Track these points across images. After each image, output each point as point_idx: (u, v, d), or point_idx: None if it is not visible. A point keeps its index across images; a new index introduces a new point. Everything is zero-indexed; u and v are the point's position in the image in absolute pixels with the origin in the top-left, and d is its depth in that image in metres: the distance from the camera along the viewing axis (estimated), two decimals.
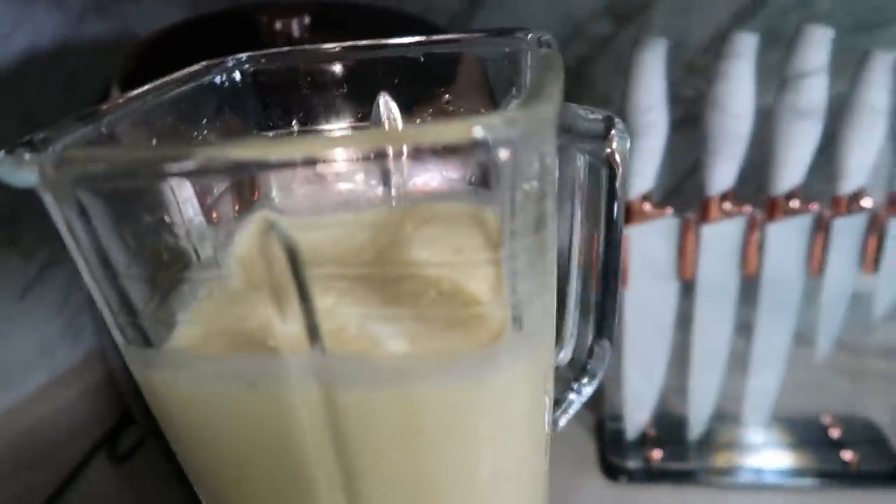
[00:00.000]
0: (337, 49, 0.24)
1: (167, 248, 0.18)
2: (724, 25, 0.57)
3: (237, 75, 0.24)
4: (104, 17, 0.63)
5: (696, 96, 0.58)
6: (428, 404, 0.17)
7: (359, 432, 0.17)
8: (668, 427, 0.60)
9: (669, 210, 0.50)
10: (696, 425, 0.58)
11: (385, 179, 0.25)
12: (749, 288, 0.52)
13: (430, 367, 0.16)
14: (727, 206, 0.48)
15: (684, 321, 0.55)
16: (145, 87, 0.20)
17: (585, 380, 0.27)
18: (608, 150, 0.24)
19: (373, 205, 0.25)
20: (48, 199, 0.15)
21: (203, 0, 0.69)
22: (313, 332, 0.16)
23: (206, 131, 0.23)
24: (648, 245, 0.50)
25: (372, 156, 0.13)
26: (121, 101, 0.19)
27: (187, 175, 0.13)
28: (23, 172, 0.14)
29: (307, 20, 0.46)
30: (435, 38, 0.24)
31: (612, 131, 0.24)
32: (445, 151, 0.13)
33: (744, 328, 0.54)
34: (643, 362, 0.57)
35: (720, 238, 0.50)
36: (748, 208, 0.49)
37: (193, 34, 0.47)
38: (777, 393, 0.57)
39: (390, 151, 0.13)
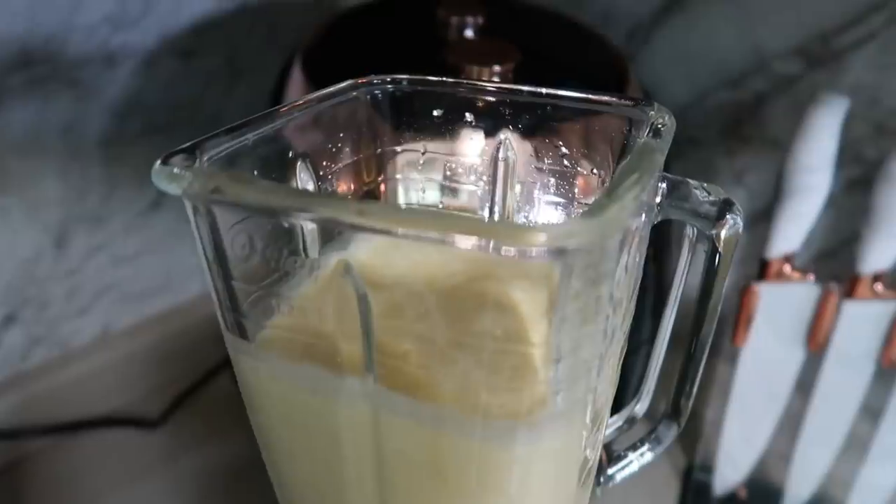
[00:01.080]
0: (474, 85, 0.25)
1: (269, 264, 0.20)
2: None
3: (378, 93, 0.26)
4: None
5: (878, 160, 0.53)
6: (457, 453, 0.18)
7: (395, 457, 0.19)
8: (761, 493, 0.57)
9: (811, 276, 0.47)
10: (793, 500, 0.55)
11: None
12: (885, 373, 0.48)
13: (467, 422, 0.18)
14: (879, 287, 0.45)
15: (803, 386, 0.52)
16: (295, 102, 0.23)
17: (647, 447, 0.27)
18: (717, 233, 0.24)
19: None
20: (187, 204, 0.18)
21: None
22: (370, 362, 0.18)
23: (340, 144, 0.25)
24: (780, 306, 0.48)
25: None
26: (269, 114, 0.22)
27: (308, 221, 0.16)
28: (172, 185, 0.17)
29: (480, 20, 0.47)
30: (566, 93, 0.24)
31: (726, 217, 0.24)
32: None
33: (870, 412, 0.50)
34: (748, 420, 0.54)
35: (864, 319, 0.46)
36: None
37: (372, 17, 0.50)
38: (894, 491, 0.52)
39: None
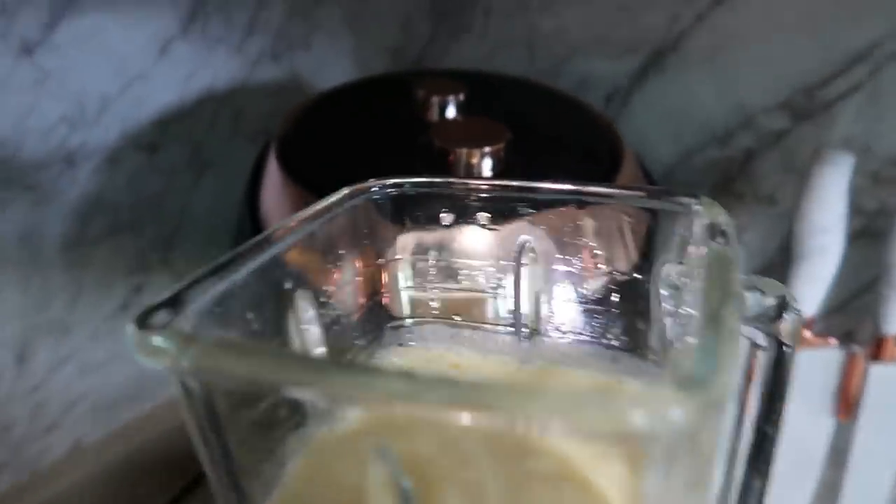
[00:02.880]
0: (485, 185, 0.23)
1: (274, 434, 0.17)
2: None
3: (379, 199, 0.23)
4: (277, 62, 0.66)
5: (879, 210, 0.52)
6: None
7: None
8: None
9: (833, 341, 0.45)
10: None
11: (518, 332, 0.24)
12: None
13: None
14: None
15: (836, 456, 0.49)
16: (285, 224, 0.20)
17: None
18: (780, 333, 0.21)
19: (501, 352, 0.24)
20: (173, 377, 0.15)
21: (369, 56, 0.72)
22: None
23: (340, 261, 0.22)
24: (804, 375, 0.45)
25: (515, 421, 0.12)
26: (259, 243, 0.19)
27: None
28: (154, 360, 0.14)
29: (462, 97, 0.45)
30: (589, 188, 0.22)
31: (786, 315, 0.21)
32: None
33: None
34: (782, 496, 0.51)
35: (892, 381, 0.43)
36: None
37: (347, 102, 0.48)
38: None
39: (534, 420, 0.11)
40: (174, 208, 0.63)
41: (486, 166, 0.38)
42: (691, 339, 0.14)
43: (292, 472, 0.18)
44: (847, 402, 0.45)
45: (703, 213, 0.19)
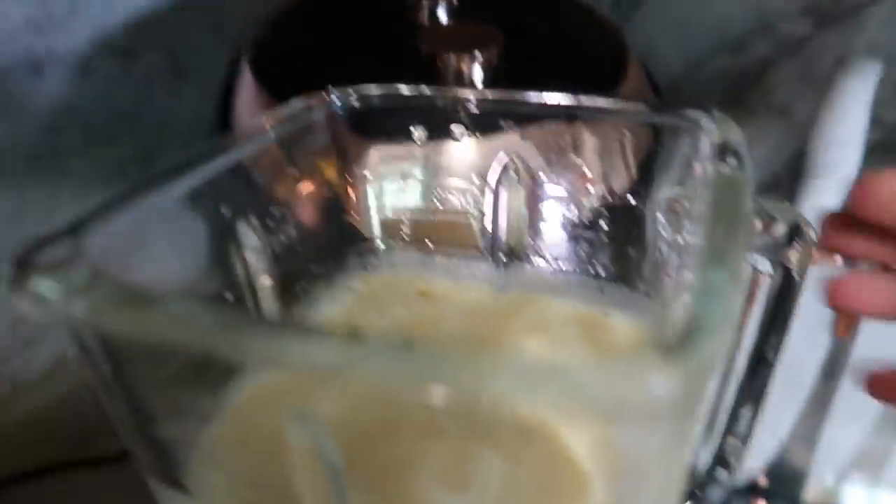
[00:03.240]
0: (464, 96, 0.20)
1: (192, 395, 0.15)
2: None
3: (339, 111, 0.20)
4: None
5: None
6: None
7: None
8: (783, 479, 0.53)
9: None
10: (818, 484, 0.52)
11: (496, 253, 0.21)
12: None
13: None
14: None
15: (831, 369, 0.48)
16: (224, 141, 0.17)
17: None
18: (789, 261, 0.19)
19: (477, 279, 0.22)
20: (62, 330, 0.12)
21: None
22: None
23: (294, 184, 0.20)
24: (805, 292, 0.43)
25: None
26: (184, 164, 0.16)
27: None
28: (37, 311, 0.11)
29: (455, 1, 0.41)
30: (584, 101, 0.19)
31: (797, 242, 0.19)
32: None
33: None
34: (770, 409, 0.50)
35: None
36: None
37: (332, 2, 0.44)
38: None
39: None
40: (152, 119, 0.60)
41: (477, 73, 0.34)
42: (689, 279, 0.12)
43: (215, 431, 0.16)
44: (847, 319, 0.44)
45: (713, 130, 0.16)
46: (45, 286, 0.11)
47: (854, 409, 0.48)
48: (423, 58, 0.35)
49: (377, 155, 0.21)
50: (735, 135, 0.16)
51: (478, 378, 0.09)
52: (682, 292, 0.16)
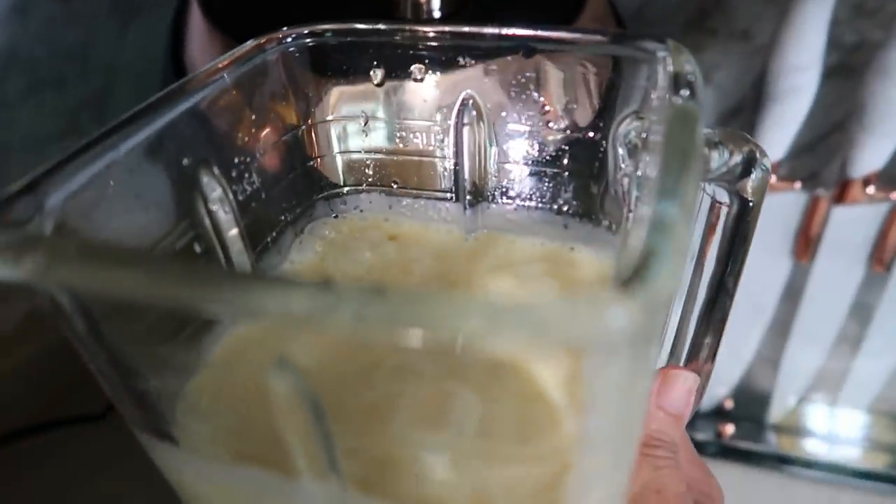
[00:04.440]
0: (421, 31, 0.19)
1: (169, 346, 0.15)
2: None
3: (295, 51, 0.20)
4: None
5: (858, 44, 0.48)
6: None
7: None
8: (748, 402, 0.56)
9: (798, 184, 0.44)
10: (781, 405, 0.54)
11: (461, 194, 0.21)
12: (876, 275, 0.46)
13: None
14: (870, 189, 0.41)
15: (791, 294, 0.50)
16: (178, 85, 0.17)
17: None
18: (745, 191, 0.19)
19: (444, 220, 0.22)
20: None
21: None
22: (333, 465, 0.13)
23: (253, 129, 0.19)
24: (766, 219, 0.44)
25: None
26: (143, 110, 0.15)
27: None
28: (4, 270, 0.11)
29: None
30: (543, 33, 0.19)
31: (753, 172, 0.19)
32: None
33: (862, 308, 0.48)
34: (734, 333, 0.52)
35: (855, 223, 0.43)
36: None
37: None
38: (883, 383, 0.52)
39: None
40: (99, 61, 0.57)
41: (435, 3, 0.33)
42: (644, 214, 0.12)
43: (197, 382, 0.16)
44: (807, 244, 0.45)
45: (668, 60, 0.16)
46: (6, 246, 0.11)
47: (813, 331, 0.50)
48: None
49: (336, 95, 0.21)
50: (689, 65, 0.16)
51: (448, 319, 0.09)
52: (640, 225, 0.16)
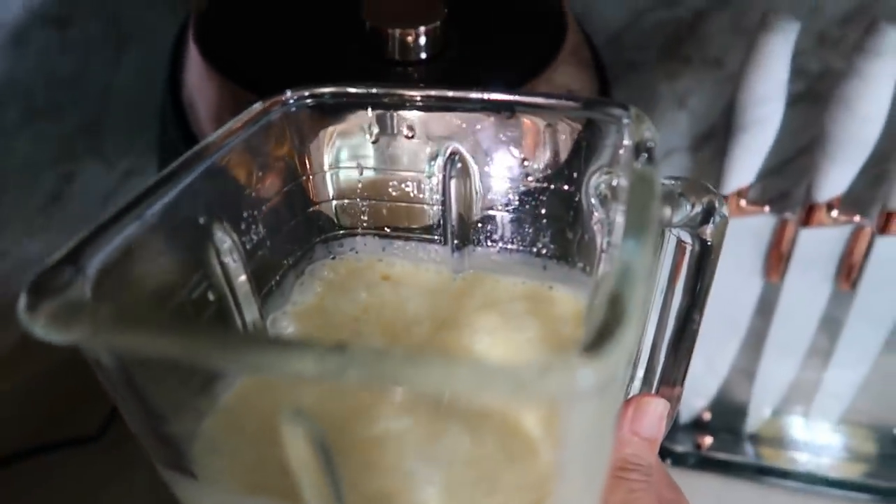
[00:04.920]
0: (411, 94, 0.21)
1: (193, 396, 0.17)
2: None
3: (296, 111, 0.22)
4: None
5: (822, 72, 0.51)
6: None
7: None
8: (725, 414, 0.58)
9: (766, 208, 0.46)
10: (757, 416, 0.56)
11: (448, 238, 0.23)
12: (842, 293, 0.48)
13: None
14: (834, 213, 0.44)
15: (763, 309, 0.52)
16: (195, 151, 0.18)
17: None
18: (705, 234, 0.22)
19: (434, 261, 0.24)
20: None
21: None
22: (339, 498, 0.15)
23: (259, 184, 0.21)
24: (737, 240, 0.47)
25: None
26: (166, 177, 0.17)
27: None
28: (55, 335, 0.13)
29: None
30: (523, 98, 0.21)
31: (713, 220, 0.21)
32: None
33: (831, 322, 0.51)
34: (709, 348, 0.55)
35: (820, 245, 0.45)
36: (858, 218, 0.44)
37: None
38: (854, 395, 0.54)
39: None
40: (95, 89, 0.58)
41: (422, 45, 0.35)
42: (608, 267, 0.14)
43: (213, 422, 0.18)
44: (777, 263, 0.47)
45: (630, 127, 0.18)
46: (55, 314, 0.13)
47: (785, 345, 0.52)
48: (368, 31, 0.36)
49: (334, 148, 0.23)
50: (649, 132, 0.18)
51: (442, 382, 0.11)
52: (606, 278, 0.18)
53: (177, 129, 0.36)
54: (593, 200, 0.21)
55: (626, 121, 0.19)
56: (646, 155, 0.17)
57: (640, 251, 0.14)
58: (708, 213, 0.21)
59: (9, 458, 0.55)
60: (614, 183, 0.20)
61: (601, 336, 0.11)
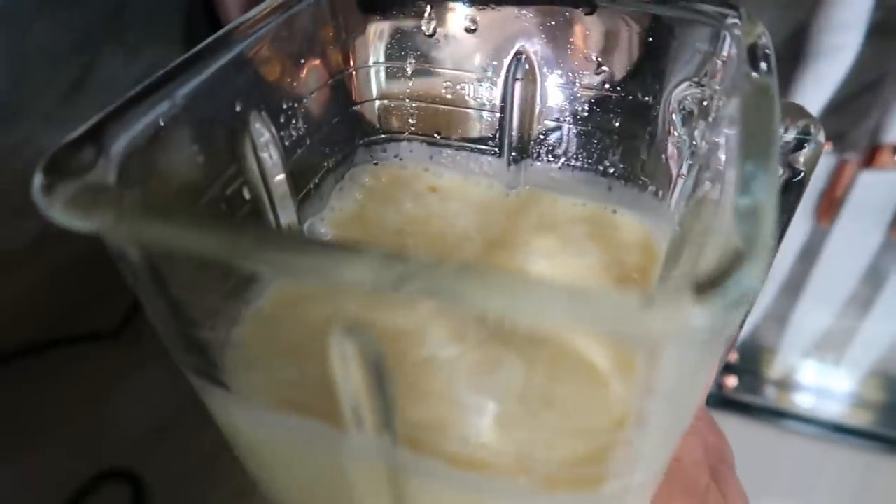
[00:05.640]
0: None
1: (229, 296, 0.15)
2: None
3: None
4: None
5: None
6: None
7: None
8: (752, 356, 0.57)
9: (828, 146, 0.43)
10: (785, 361, 0.55)
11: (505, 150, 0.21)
12: (892, 243, 0.46)
13: (523, 493, 0.14)
14: None
15: (808, 254, 0.50)
16: (229, 29, 0.16)
17: None
18: (797, 162, 0.19)
19: (485, 174, 0.21)
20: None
21: None
22: (387, 424, 0.14)
23: (299, 73, 0.19)
24: None
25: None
26: (197, 55, 0.15)
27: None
28: (68, 219, 0.11)
29: None
30: None
31: (807, 146, 0.19)
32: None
33: (876, 272, 0.49)
34: None
35: (880, 189, 0.43)
36: None
37: None
38: (889, 346, 0.52)
39: None
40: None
41: None
42: (708, 188, 0.12)
43: (245, 330, 0.16)
44: (829, 207, 0.45)
45: (737, 29, 0.16)
46: (74, 199, 0.11)
47: (825, 292, 0.50)
48: None
49: (383, 39, 0.21)
50: (764, 36, 0.15)
51: (518, 304, 0.09)
52: (703, 201, 0.16)
53: (204, 18, 0.33)
54: (674, 117, 0.19)
55: (731, 21, 0.16)
56: (765, 64, 0.14)
57: (765, 178, 0.12)
58: (802, 139, 0.18)
59: (25, 350, 0.55)
60: (705, 99, 0.18)
61: (723, 272, 0.09)
